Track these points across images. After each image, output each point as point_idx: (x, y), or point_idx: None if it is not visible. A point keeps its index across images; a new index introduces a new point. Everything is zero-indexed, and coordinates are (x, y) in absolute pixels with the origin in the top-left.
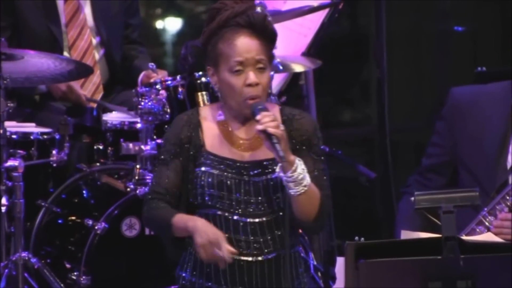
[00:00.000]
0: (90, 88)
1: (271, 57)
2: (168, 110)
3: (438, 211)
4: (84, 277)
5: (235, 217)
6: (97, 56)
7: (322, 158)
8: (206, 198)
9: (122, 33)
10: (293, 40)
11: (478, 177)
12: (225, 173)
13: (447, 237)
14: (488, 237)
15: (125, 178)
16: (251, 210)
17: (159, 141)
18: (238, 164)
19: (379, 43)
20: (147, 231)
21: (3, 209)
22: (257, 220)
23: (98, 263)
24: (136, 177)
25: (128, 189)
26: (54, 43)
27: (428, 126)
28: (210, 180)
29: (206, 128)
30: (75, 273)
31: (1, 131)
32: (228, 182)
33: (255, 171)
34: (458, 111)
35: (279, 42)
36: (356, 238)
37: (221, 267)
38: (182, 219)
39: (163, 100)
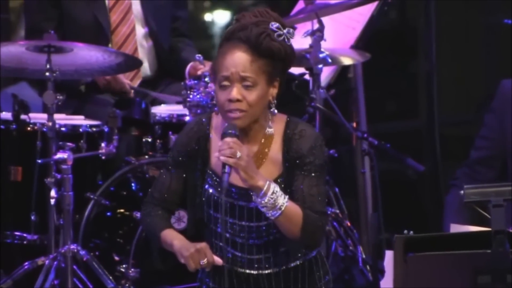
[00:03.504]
0: (128, 74)
1: (270, 74)
2: None
3: (487, 205)
4: (132, 269)
5: (236, 239)
6: (145, 45)
7: (319, 174)
8: (205, 216)
9: (169, 25)
10: (342, 33)
11: None
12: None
13: (496, 230)
14: None
15: None
16: (244, 234)
17: None
18: (232, 187)
19: (428, 35)
20: None
21: (52, 201)
22: (257, 242)
23: (146, 256)
24: None
25: None
26: (99, 31)
27: (477, 119)
28: (209, 199)
29: (214, 141)
30: (124, 266)
31: (51, 123)
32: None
33: (248, 196)
34: (508, 104)
35: (328, 35)
36: (405, 231)
37: (208, 269)
38: (170, 236)
39: (212, 92)
